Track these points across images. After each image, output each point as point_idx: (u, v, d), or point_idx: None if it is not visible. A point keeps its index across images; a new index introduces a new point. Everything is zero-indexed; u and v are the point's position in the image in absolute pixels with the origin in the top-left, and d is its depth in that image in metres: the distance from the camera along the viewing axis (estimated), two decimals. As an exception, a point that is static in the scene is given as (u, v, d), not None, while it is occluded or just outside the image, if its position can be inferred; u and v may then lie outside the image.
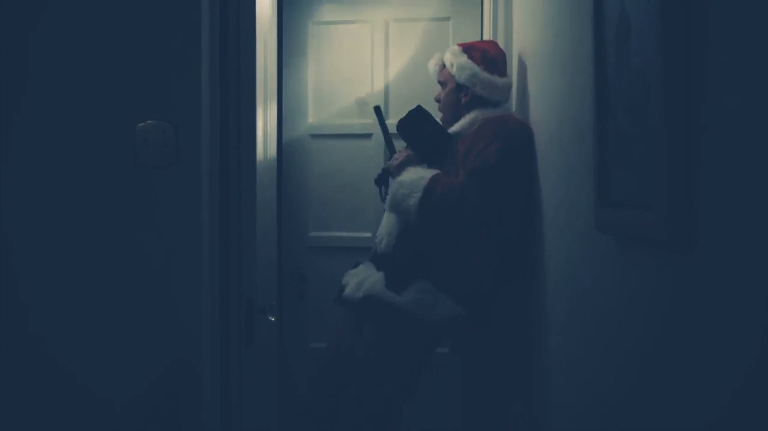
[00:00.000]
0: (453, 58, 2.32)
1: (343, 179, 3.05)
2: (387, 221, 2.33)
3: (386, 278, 2.23)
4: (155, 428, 1.89)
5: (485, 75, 2.28)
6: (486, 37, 2.66)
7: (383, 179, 2.42)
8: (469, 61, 2.29)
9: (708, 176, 0.84)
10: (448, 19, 2.92)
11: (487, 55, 2.33)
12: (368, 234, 3.01)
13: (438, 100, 2.42)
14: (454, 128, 2.31)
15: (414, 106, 2.37)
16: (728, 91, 0.79)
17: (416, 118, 2.33)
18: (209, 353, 2.02)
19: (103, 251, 2.03)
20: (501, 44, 2.56)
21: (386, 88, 2.99)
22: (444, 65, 2.37)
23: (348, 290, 2.32)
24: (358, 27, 3.01)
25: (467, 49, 2.34)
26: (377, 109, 2.53)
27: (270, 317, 2.24)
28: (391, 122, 2.51)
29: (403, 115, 2.35)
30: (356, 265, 2.43)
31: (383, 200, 2.37)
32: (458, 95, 2.33)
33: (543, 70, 2.01)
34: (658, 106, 0.91)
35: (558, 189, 1.78)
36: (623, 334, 1.17)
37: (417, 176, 2.19)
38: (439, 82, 2.41)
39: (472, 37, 2.79)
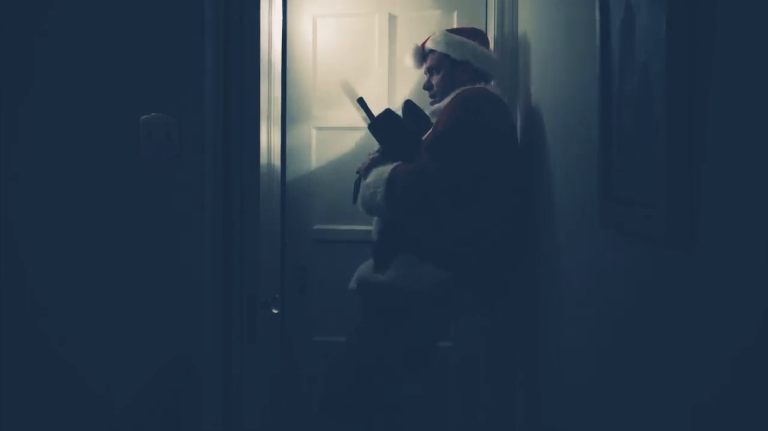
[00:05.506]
0: (443, 40, 2.33)
1: (348, 171, 3.03)
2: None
3: (375, 263, 2.28)
4: (155, 425, 1.90)
5: (482, 49, 2.32)
6: (491, 28, 2.66)
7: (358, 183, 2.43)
8: (462, 38, 2.31)
9: (709, 174, 0.84)
10: (452, 11, 2.91)
11: (475, 32, 2.39)
12: (372, 227, 3.00)
13: (429, 88, 2.41)
14: (433, 108, 2.33)
15: (406, 100, 2.41)
16: (732, 89, 0.79)
17: (385, 121, 2.34)
18: (210, 350, 2.02)
19: (103, 245, 2.03)
20: (506, 35, 2.55)
21: (390, 80, 2.98)
22: (428, 54, 2.38)
23: (350, 284, 2.34)
24: (363, 19, 3.00)
25: (452, 31, 2.38)
26: (361, 100, 2.50)
27: (273, 310, 2.24)
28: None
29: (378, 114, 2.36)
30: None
31: (354, 201, 2.38)
32: (458, 73, 2.32)
33: (548, 61, 2.00)
34: (660, 102, 0.91)
35: (563, 180, 1.78)
36: (626, 328, 1.17)
37: (379, 173, 2.23)
38: (429, 69, 2.40)
39: (477, 29, 2.78)
